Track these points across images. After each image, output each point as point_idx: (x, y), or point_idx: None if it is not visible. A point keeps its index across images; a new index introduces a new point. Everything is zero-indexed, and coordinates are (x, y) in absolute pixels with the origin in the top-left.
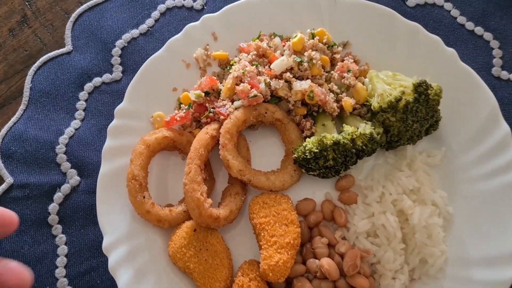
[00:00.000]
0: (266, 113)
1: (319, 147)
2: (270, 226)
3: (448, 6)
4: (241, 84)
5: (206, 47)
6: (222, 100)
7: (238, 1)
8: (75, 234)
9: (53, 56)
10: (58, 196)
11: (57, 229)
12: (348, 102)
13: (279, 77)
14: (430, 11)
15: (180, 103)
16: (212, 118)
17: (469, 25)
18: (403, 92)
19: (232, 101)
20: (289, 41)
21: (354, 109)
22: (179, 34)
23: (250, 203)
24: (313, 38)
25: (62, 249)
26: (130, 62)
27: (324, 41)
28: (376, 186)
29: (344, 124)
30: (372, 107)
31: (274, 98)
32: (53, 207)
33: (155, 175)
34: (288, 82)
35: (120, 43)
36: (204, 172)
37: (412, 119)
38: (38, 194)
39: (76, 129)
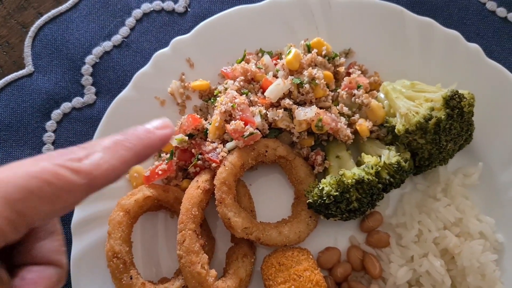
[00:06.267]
0: (266, 151)
1: (339, 189)
2: None
3: None
4: (232, 121)
5: (182, 77)
6: (211, 142)
7: (213, 17)
8: None
9: (11, 80)
10: None
11: None
12: (363, 126)
13: (276, 105)
14: None
15: (160, 152)
16: (202, 166)
17: (501, 12)
18: (432, 109)
19: (223, 142)
20: (281, 58)
21: (371, 132)
22: (147, 65)
23: (263, 266)
24: (309, 51)
25: None
26: (104, 81)
27: (323, 53)
28: (410, 222)
29: (362, 154)
30: (396, 130)
31: (273, 130)
32: None
33: (140, 243)
34: (289, 110)
35: (90, 59)
36: (201, 236)
37: (446, 138)
38: None
39: None
